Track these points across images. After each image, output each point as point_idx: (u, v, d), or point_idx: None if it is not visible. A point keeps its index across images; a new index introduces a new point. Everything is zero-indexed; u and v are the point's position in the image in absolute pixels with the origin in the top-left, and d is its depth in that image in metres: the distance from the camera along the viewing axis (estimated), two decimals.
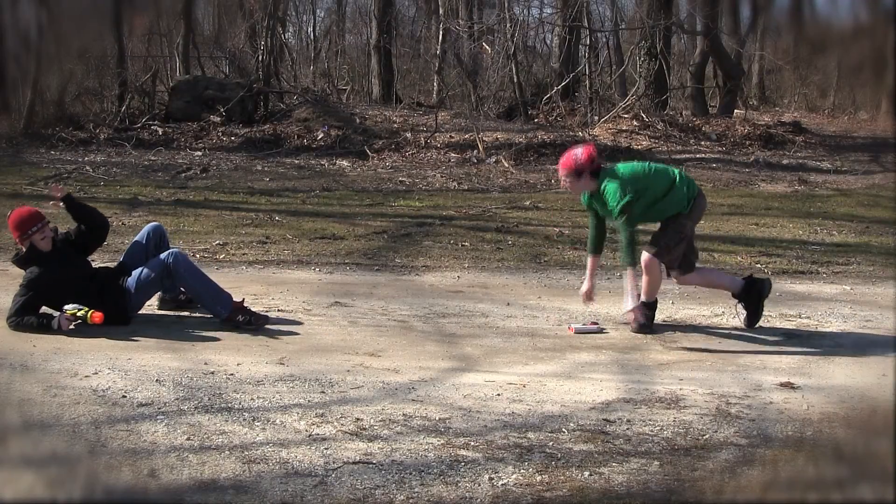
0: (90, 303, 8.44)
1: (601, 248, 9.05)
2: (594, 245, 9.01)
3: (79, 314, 8.35)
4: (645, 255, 8.63)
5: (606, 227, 8.97)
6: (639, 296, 8.60)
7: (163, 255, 8.66)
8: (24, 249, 8.50)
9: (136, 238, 9.18)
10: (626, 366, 7.81)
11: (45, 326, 8.19)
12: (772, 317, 9.25)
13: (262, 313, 8.74)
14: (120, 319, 8.48)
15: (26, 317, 8.24)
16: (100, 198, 15.57)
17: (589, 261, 9.03)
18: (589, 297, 9.00)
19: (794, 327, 9.03)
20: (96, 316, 8.31)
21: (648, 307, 8.71)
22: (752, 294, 8.94)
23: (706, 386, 7.22)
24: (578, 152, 8.72)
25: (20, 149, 20.65)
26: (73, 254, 8.69)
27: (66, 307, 8.35)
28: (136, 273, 8.62)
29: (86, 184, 17.06)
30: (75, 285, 8.52)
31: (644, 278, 8.69)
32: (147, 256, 8.81)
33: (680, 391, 7.08)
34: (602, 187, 8.54)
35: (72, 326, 8.29)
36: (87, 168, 18.93)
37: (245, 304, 8.66)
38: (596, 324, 8.81)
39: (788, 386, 7.24)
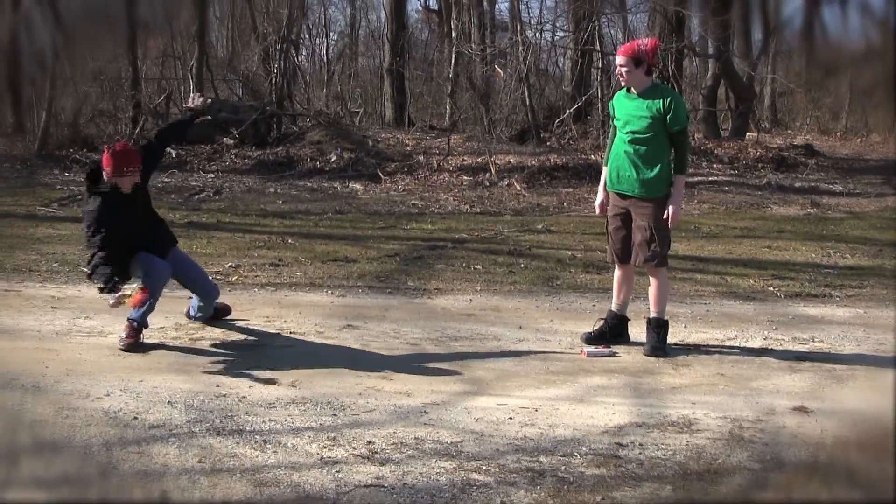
0: (144, 243, 8.67)
1: None
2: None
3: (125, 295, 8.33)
4: (651, 266, 8.68)
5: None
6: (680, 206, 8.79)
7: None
8: (105, 179, 8.49)
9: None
10: (639, 389, 7.79)
11: (107, 286, 8.20)
12: (784, 340, 9.24)
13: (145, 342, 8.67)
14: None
15: (104, 262, 8.30)
16: None
17: (604, 172, 9.07)
18: (603, 209, 9.03)
19: (808, 350, 9.00)
20: (137, 295, 8.29)
21: (662, 327, 8.71)
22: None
23: (719, 410, 7.20)
24: (643, 41, 8.77)
25: (35, 170, 20.69)
26: (141, 198, 8.81)
27: (123, 287, 8.31)
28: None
29: None
30: (135, 226, 8.64)
31: (655, 287, 8.73)
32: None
33: (692, 415, 7.06)
34: (667, 97, 8.65)
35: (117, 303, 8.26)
36: None
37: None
38: (608, 347, 8.80)
39: (802, 410, 7.22)
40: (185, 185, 20.01)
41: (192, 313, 9.36)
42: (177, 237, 9.44)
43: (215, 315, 9.36)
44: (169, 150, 22.20)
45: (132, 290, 8.25)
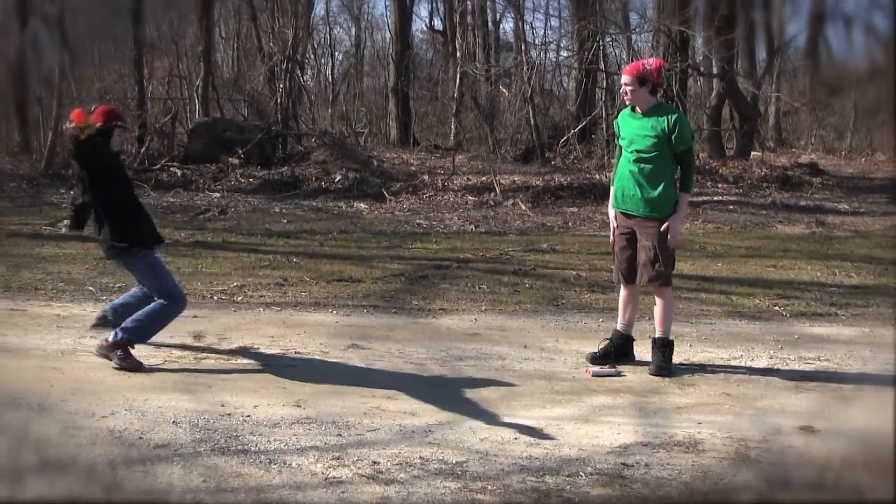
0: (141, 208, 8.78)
1: None
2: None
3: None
4: (656, 285, 8.69)
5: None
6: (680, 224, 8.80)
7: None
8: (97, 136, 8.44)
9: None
10: (644, 409, 7.78)
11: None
12: (790, 359, 9.23)
13: (140, 362, 8.54)
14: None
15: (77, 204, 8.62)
16: None
17: (612, 191, 9.06)
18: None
19: (814, 370, 8.99)
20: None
21: (668, 346, 8.70)
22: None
23: (725, 429, 7.19)
24: (648, 61, 8.79)
25: (41, 189, 20.73)
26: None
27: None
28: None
29: None
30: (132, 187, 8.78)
31: (661, 307, 8.74)
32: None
33: (698, 434, 7.05)
34: (672, 116, 8.65)
35: None
36: None
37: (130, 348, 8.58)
38: (613, 367, 8.78)
39: (808, 429, 7.21)
40: (191, 204, 20.03)
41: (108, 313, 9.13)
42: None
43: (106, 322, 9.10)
44: (175, 169, 22.30)
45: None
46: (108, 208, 8.47)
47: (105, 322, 9.01)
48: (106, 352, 8.42)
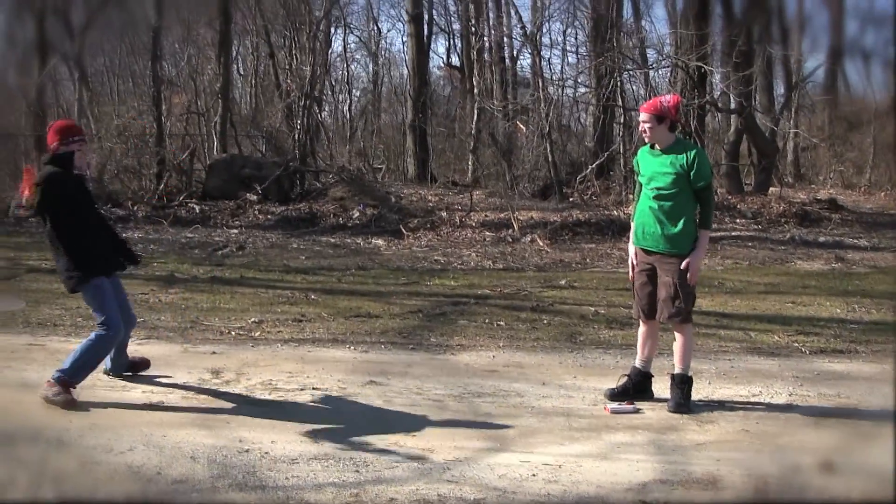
0: (96, 235, 8.68)
1: None
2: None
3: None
4: (676, 322, 8.66)
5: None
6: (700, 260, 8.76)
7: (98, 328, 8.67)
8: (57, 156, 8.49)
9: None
10: (663, 446, 7.75)
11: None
12: (810, 396, 9.19)
13: (75, 399, 8.44)
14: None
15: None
16: (137, 275, 15.62)
17: (633, 228, 9.04)
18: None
19: (834, 407, 8.94)
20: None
21: (687, 383, 8.67)
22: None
23: (744, 467, 7.16)
24: (666, 98, 8.77)
25: None
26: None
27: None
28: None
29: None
30: (89, 212, 8.70)
31: (680, 344, 8.71)
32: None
33: (717, 472, 7.02)
34: (691, 152, 8.63)
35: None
36: None
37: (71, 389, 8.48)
38: (632, 404, 8.76)
39: (828, 467, 7.17)
40: (209, 240, 20.09)
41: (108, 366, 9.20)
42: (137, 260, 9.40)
43: (132, 369, 9.26)
44: (193, 205, 22.36)
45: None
46: (62, 239, 8.50)
47: (132, 370, 9.15)
48: (46, 392, 8.38)
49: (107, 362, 9.12)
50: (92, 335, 8.68)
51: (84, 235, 8.51)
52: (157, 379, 9.28)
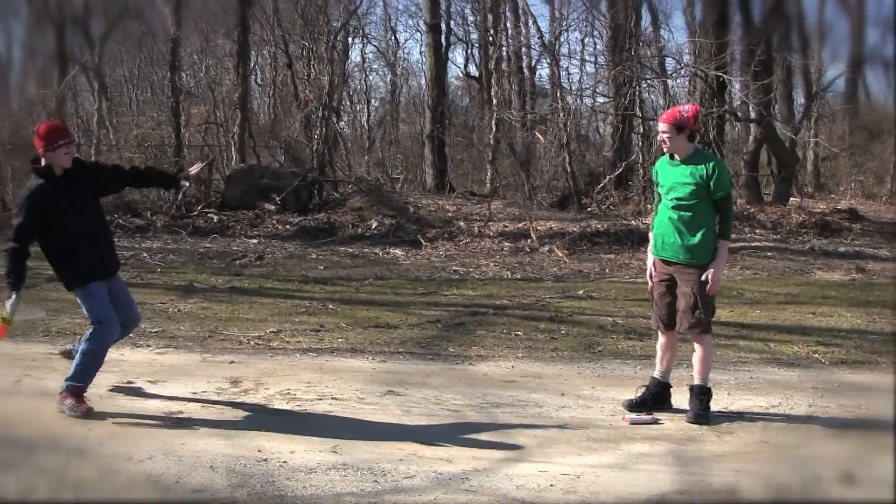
0: (90, 241, 8.56)
1: None
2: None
3: (5, 313, 8.39)
4: (696, 332, 8.64)
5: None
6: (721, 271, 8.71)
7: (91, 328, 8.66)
8: (43, 162, 8.44)
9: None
10: (682, 457, 7.73)
11: (11, 283, 8.33)
12: (830, 407, 9.15)
13: (91, 407, 8.46)
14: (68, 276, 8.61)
15: (17, 253, 8.33)
16: (156, 284, 15.68)
17: (651, 239, 9.03)
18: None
19: (854, 418, 8.91)
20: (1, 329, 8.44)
21: (706, 393, 8.65)
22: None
23: (763, 478, 7.13)
24: (685, 108, 8.74)
25: None
26: (89, 184, 8.71)
27: (10, 301, 8.37)
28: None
29: (142, 270, 17.21)
30: (76, 218, 8.52)
31: (700, 354, 8.68)
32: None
33: (736, 483, 6.99)
34: (710, 162, 8.61)
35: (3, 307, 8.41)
36: (144, 254, 19.11)
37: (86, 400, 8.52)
38: (651, 414, 8.73)
39: (848, 478, 7.14)
40: (228, 250, 20.12)
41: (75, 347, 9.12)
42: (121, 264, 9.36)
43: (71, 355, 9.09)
44: (212, 215, 22.38)
45: (9, 311, 8.35)
46: (46, 251, 8.53)
47: (70, 355, 9.07)
48: (61, 406, 8.41)
49: (75, 344, 9.14)
50: (86, 335, 8.73)
51: (68, 248, 8.46)
52: (176, 388, 9.30)
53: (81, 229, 8.51)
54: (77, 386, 8.42)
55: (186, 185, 9.81)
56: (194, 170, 9.90)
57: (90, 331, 8.58)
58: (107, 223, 9.21)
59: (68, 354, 9.14)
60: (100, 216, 8.92)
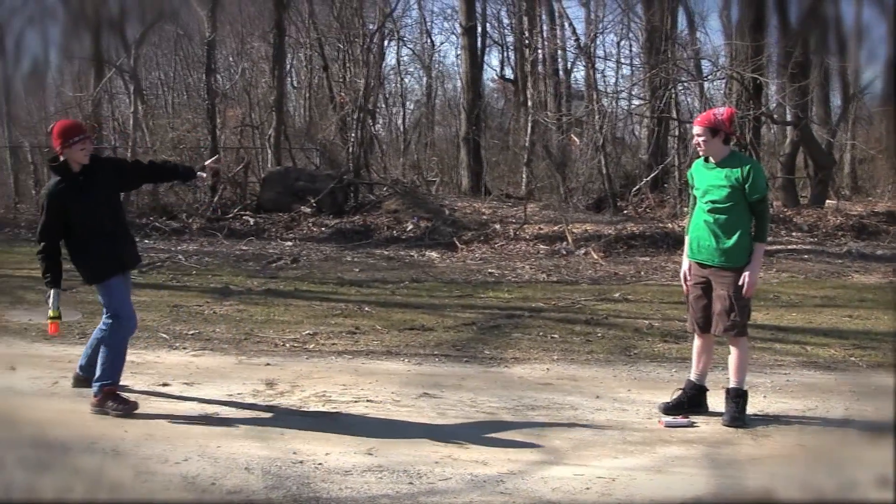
0: (110, 235, 8.63)
1: None
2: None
3: (50, 310, 8.48)
4: (732, 335, 8.61)
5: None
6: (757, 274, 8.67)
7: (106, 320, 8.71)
8: (60, 159, 8.51)
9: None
10: (717, 460, 7.70)
11: (49, 282, 8.48)
12: (867, 411, 9.10)
13: (134, 401, 8.61)
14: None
15: (47, 252, 8.44)
16: (191, 287, 15.74)
17: (687, 241, 8.99)
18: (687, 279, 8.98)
19: (891, 421, 8.84)
20: (51, 326, 8.56)
21: (742, 396, 8.61)
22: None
23: (799, 482, 7.10)
24: (719, 110, 8.71)
25: None
26: (106, 180, 8.76)
27: (51, 298, 8.46)
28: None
29: (178, 272, 17.28)
30: (93, 213, 8.58)
31: (736, 357, 8.65)
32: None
33: (772, 486, 6.96)
34: (745, 165, 8.58)
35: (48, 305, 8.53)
36: (180, 257, 19.19)
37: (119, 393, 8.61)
38: (686, 417, 8.71)
39: (885, 482, 7.09)
40: (263, 252, 20.18)
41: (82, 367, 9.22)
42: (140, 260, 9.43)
43: (82, 379, 9.18)
44: (248, 217, 22.44)
45: (52, 306, 8.45)
46: (69, 245, 8.58)
47: (81, 381, 9.13)
48: (100, 409, 8.46)
49: (82, 357, 9.22)
50: (100, 329, 8.84)
51: (87, 242, 8.53)
52: (212, 390, 9.33)
53: (99, 224, 8.57)
54: (109, 385, 8.48)
55: (205, 175, 9.86)
56: (210, 162, 9.95)
57: (106, 324, 8.62)
58: (125, 219, 9.25)
59: (80, 382, 9.20)
60: (120, 211, 9.00)
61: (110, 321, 8.61)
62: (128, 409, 8.39)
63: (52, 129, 8.59)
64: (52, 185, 8.42)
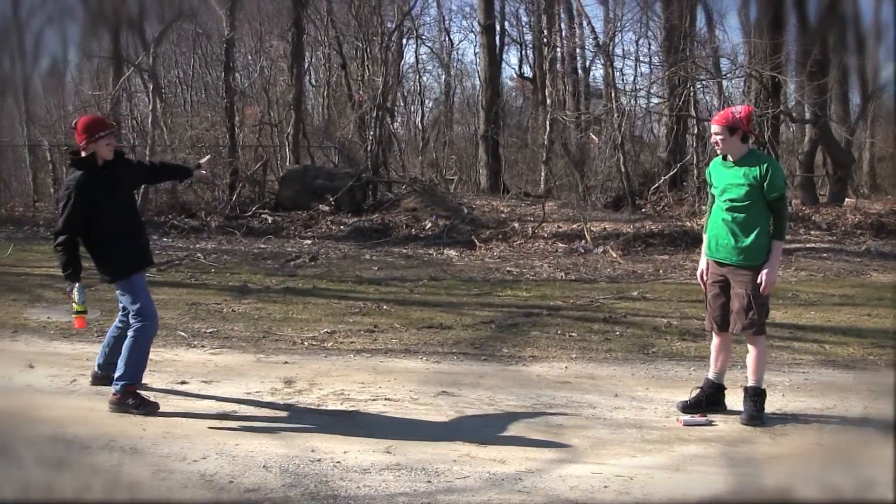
0: (122, 233, 8.63)
1: None
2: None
3: (75, 304, 8.47)
4: (750, 334, 8.59)
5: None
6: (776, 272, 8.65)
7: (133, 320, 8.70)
8: (83, 154, 8.54)
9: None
10: (736, 459, 7.69)
11: (64, 271, 8.46)
12: (885, 410, 9.07)
13: (155, 401, 8.64)
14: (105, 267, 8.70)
15: (67, 245, 8.40)
16: (210, 284, 15.77)
17: (705, 240, 8.98)
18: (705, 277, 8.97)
19: None
20: (77, 321, 8.59)
21: (760, 395, 8.60)
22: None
23: (817, 480, 7.08)
24: (737, 109, 8.70)
25: None
26: (126, 176, 8.85)
27: (75, 292, 8.47)
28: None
29: (196, 270, 17.31)
30: (118, 208, 8.62)
31: (754, 356, 8.64)
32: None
33: (790, 485, 6.95)
34: (764, 163, 8.56)
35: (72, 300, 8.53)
36: (198, 255, 19.23)
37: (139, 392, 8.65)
38: (705, 416, 8.70)
39: None
40: (282, 251, 20.21)
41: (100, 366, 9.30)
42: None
43: (101, 378, 9.24)
44: (266, 216, 22.47)
45: (77, 299, 8.45)
46: (88, 244, 8.58)
47: (99, 379, 9.16)
48: (119, 407, 8.49)
49: (99, 356, 9.27)
50: (115, 327, 8.92)
51: (111, 238, 8.53)
52: (230, 388, 9.35)
53: (122, 219, 8.61)
54: (131, 384, 8.51)
55: (203, 172, 9.98)
56: (204, 161, 10.02)
57: (133, 326, 8.64)
58: (140, 219, 9.30)
59: (98, 380, 9.24)
60: (136, 208, 9.06)
61: (133, 321, 8.62)
62: (149, 410, 8.42)
63: (76, 124, 8.61)
64: (79, 178, 8.42)
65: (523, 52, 39.64)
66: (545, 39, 31.54)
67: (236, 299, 14.40)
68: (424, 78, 40.58)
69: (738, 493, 6.79)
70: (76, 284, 8.44)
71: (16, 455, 7.30)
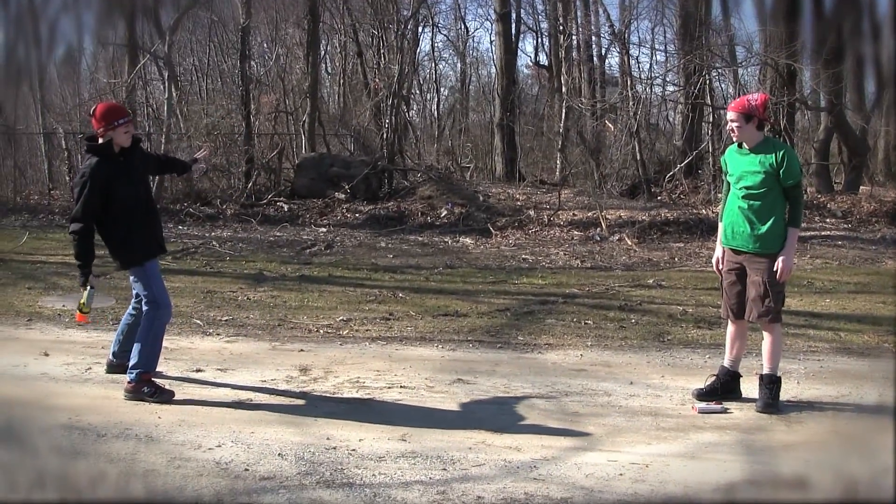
0: (138, 219, 8.64)
1: None
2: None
3: (82, 302, 8.49)
4: (766, 321, 8.58)
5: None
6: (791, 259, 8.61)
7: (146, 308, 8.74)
8: (101, 140, 8.55)
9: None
10: (751, 446, 7.68)
11: (82, 266, 8.43)
12: None
13: (171, 389, 8.67)
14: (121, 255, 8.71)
15: (83, 233, 8.41)
16: (225, 272, 15.79)
17: (720, 228, 8.98)
18: (720, 265, 8.96)
19: None
20: (79, 316, 8.62)
21: (775, 383, 8.59)
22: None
23: (833, 468, 7.07)
24: (753, 96, 8.68)
25: None
26: (141, 163, 8.89)
27: (86, 293, 8.47)
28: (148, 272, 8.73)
29: (212, 258, 17.34)
30: (135, 194, 8.65)
31: (769, 343, 8.62)
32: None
33: (806, 473, 6.94)
34: (779, 151, 8.55)
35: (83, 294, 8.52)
36: (214, 243, 19.25)
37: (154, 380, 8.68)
38: (720, 403, 8.69)
39: None
40: (297, 238, 20.23)
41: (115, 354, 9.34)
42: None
43: (116, 365, 9.29)
44: (282, 203, 22.49)
45: (86, 301, 8.46)
46: (104, 230, 8.59)
47: (114, 367, 9.18)
48: (134, 395, 8.51)
49: (114, 344, 9.30)
50: (129, 315, 8.96)
51: (127, 224, 8.55)
52: (246, 376, 9.37)
53: (138, 205, 8.63)
54: (145, 372, 8.53)
55: (203, 166, 10.03)
56: (201, 154, 10.02)
57: (146, 313, 8.67)
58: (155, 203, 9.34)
59: (113, 368, 9.26)
60: (151, 196, 9.07)
61: (147, 308, 8.65)
62: (164, 398, 8.44)
63: (94, 111, 8.62)
64: (95, 164, 8.42)
65: (539, 39, 39.58)
66: (561, 27, 31.45)
67: (252, 287, 14.43)
68: (440, 66, 40.61)
69: (753, 480, 6.78)
70: (89, 287, 8.44)
71: (31, 443, 7.33)
